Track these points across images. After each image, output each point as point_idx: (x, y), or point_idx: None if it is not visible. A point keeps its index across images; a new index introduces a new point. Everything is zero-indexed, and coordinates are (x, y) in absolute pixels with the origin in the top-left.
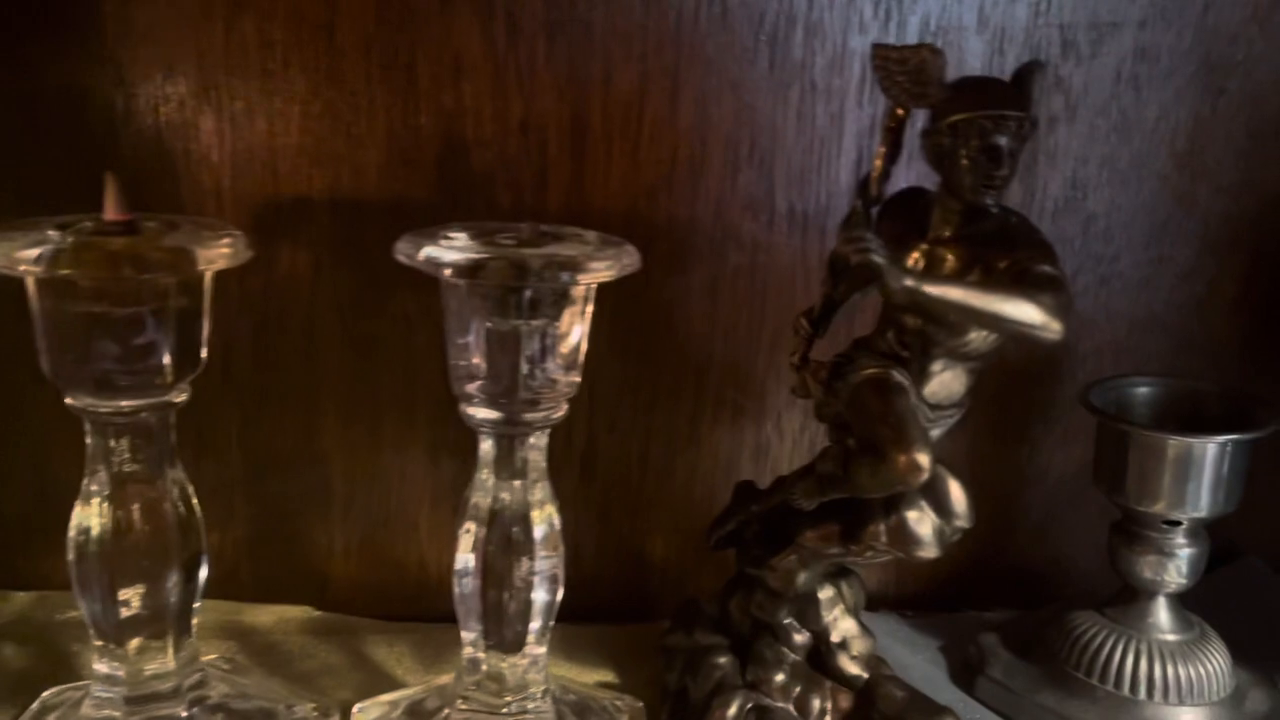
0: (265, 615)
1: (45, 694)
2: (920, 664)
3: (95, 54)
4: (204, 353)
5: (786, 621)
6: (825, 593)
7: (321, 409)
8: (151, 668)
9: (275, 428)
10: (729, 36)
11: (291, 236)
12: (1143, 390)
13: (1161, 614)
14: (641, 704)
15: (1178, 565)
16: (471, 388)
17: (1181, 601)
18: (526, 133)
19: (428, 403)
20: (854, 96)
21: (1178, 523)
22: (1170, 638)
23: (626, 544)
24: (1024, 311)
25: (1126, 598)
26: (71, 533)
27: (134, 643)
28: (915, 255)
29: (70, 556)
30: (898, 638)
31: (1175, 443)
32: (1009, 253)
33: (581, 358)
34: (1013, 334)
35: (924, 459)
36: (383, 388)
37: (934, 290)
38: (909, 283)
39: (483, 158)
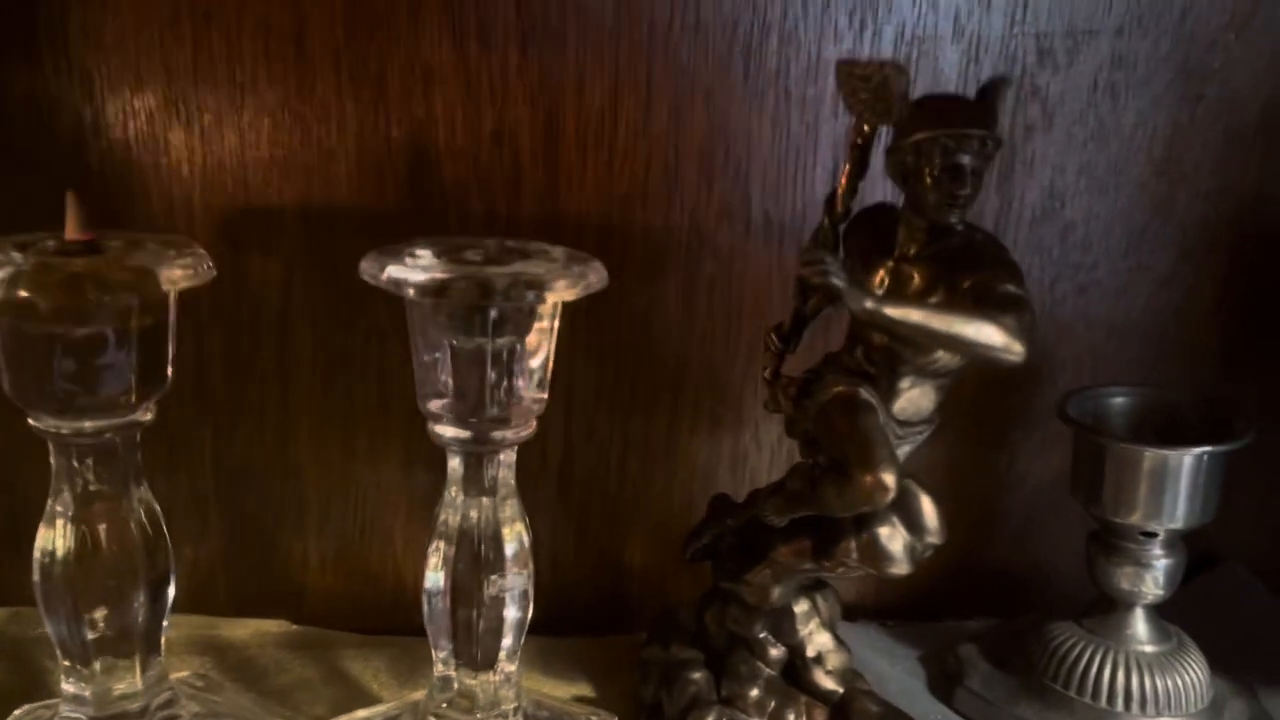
0: (241, 629)
1: (16, 712)
2: (899, 675)
3: (63, 66)
4: (170, 372)
5: (762, 635)
6: (800, 606)
7: (295, 422)
8: (119, 687)
9: (248, 440)
10: (703, 45)
11: (263, 249)
12: (1119, 400)
13: (1139, 625)
14: (616, 718)
15: (1155, 576)
16: (438, 406)
17: (1159, 612)
18: (499, 142)
19: (401, 414)
20: (829, 106)
21: (1154, 534)
22: (1148, 649)
23: (605, 554)
24: (985, 333)
25: (1104, 608)
26: (36, 554)
27: (101, 663)
28: (881, 273)
29: (35, 577)
30: (877, 648)
31: (1151, 455)
32: (973, 271)
33: (549, 375)
34: (974, 356)
35: (890, 479)
36: (356, 400)
37: (894, 312)
38: (869, 304)
39: (455, 168)
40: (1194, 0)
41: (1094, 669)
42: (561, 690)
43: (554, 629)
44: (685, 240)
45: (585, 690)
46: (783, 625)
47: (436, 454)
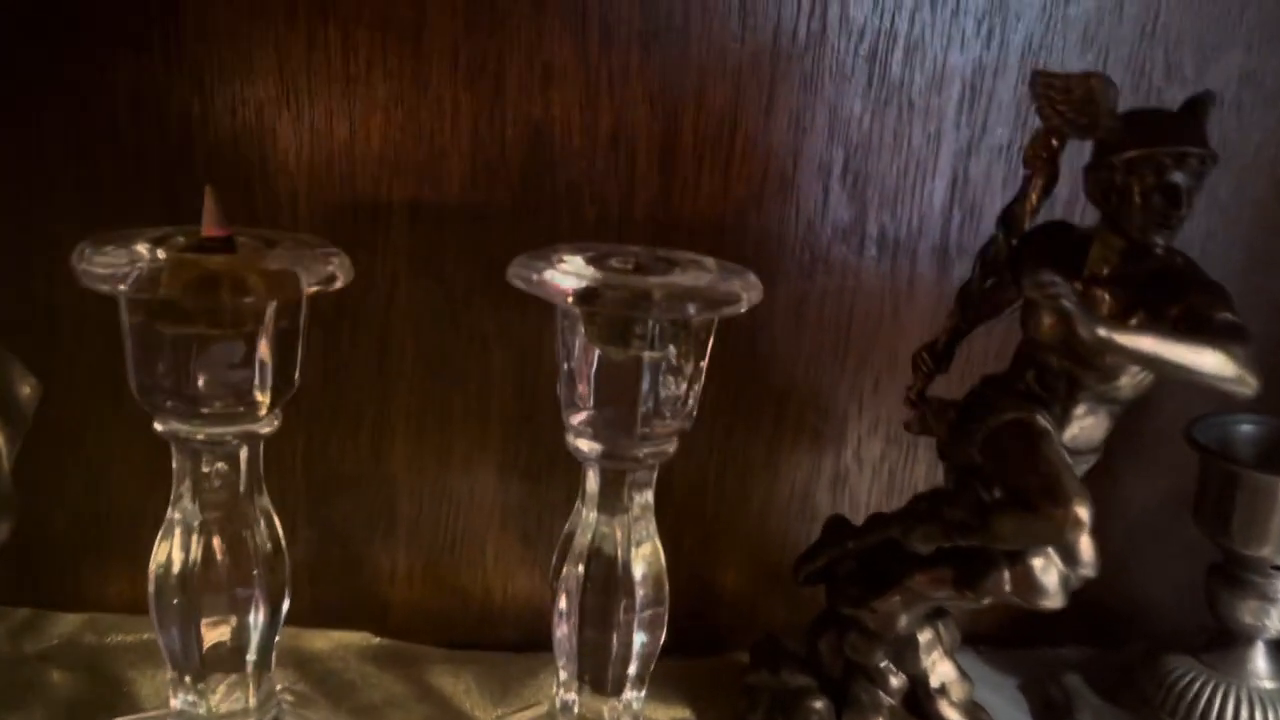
0: (323, 641)
1: None
2: (1002, 704)
3: (173, 56)
4: (298, 376)
5: (883, 664)
6: (924, 635)
7: (390, 429)
8: (231, 704)
9: (342, 448)
10: (826, 53)
11: (368, 249)
12: (1246, 429)
13: (1259, 660)
14: None
15: None
16: (579, 419)
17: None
18: (616, 145)
19: (500, 423)
20: (952, 116)
21: None
22: (1268, 685)
23: (697, 573)
24: (1218, 364)
25: (1224, 642)
26: (153, 565)
27: (214, 678)
28: None
29: (150, 589)
30: (975, 676)
31: None
32: (1180, 297)
33: (698, 390)
34: (1204, 386)
35: (1084, 513)
36: (455, 408)
37: (1126, 340)
38: (1102, 332)
39: (569, 170)
40: None
41: (1216, 705)
42: (660, 713)
43: None
44: (798, 253)
45: (683, 713)
46: (905, 654)
47: (532, 465)
